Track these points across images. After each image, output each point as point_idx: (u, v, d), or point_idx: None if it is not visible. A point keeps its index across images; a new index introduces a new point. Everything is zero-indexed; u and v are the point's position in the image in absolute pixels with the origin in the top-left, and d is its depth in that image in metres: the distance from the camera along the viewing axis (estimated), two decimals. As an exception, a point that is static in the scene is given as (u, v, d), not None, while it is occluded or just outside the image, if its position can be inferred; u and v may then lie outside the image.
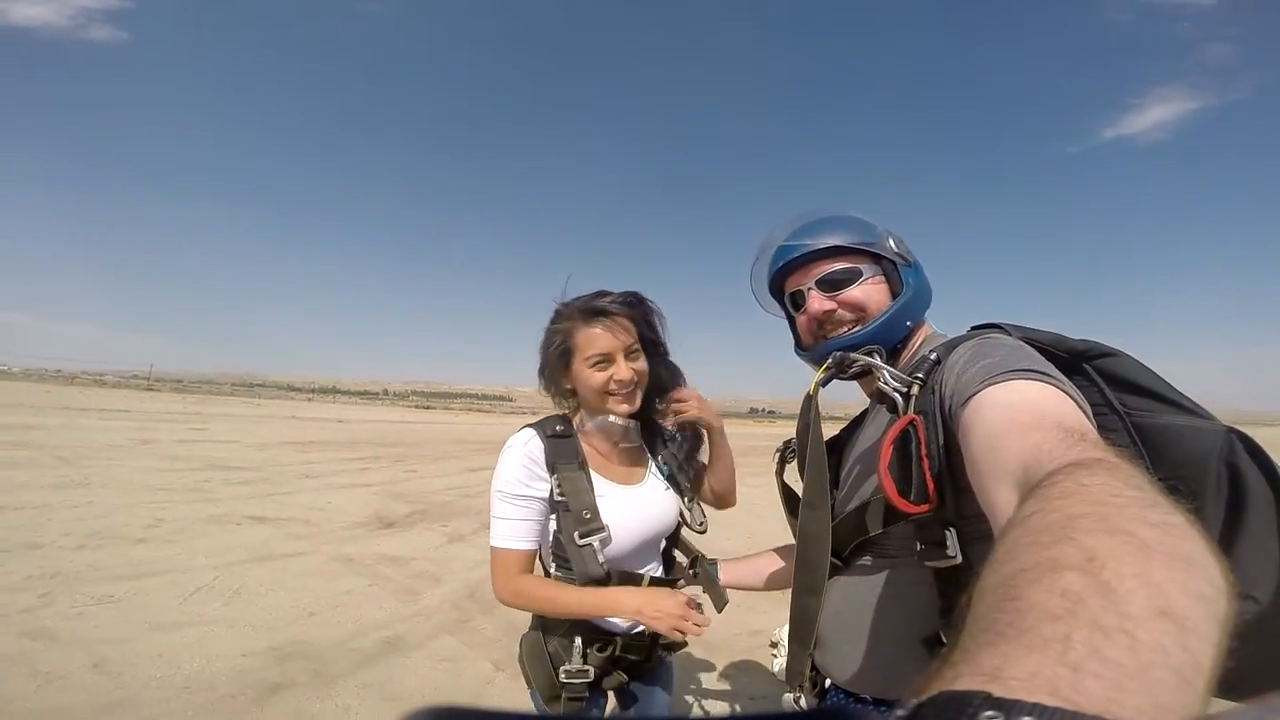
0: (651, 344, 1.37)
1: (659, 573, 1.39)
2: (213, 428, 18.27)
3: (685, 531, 1.48)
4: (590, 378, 1.28)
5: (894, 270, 1.06)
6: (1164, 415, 0.82)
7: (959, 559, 0.80)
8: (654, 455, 1.45)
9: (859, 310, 1.05)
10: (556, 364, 1.32)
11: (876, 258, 1.06)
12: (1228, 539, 0.72)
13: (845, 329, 1.05)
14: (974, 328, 0.97)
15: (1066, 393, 0.70)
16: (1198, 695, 0.25)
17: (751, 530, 5.68)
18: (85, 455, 10.02)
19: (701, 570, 1.41)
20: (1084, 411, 0.70)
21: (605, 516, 1.26)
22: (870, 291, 1.04)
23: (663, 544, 1.45)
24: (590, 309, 1.29)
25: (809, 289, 1.08)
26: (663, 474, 1.43)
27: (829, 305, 1.06)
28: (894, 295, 1.05)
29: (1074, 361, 0.87)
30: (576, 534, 1.22)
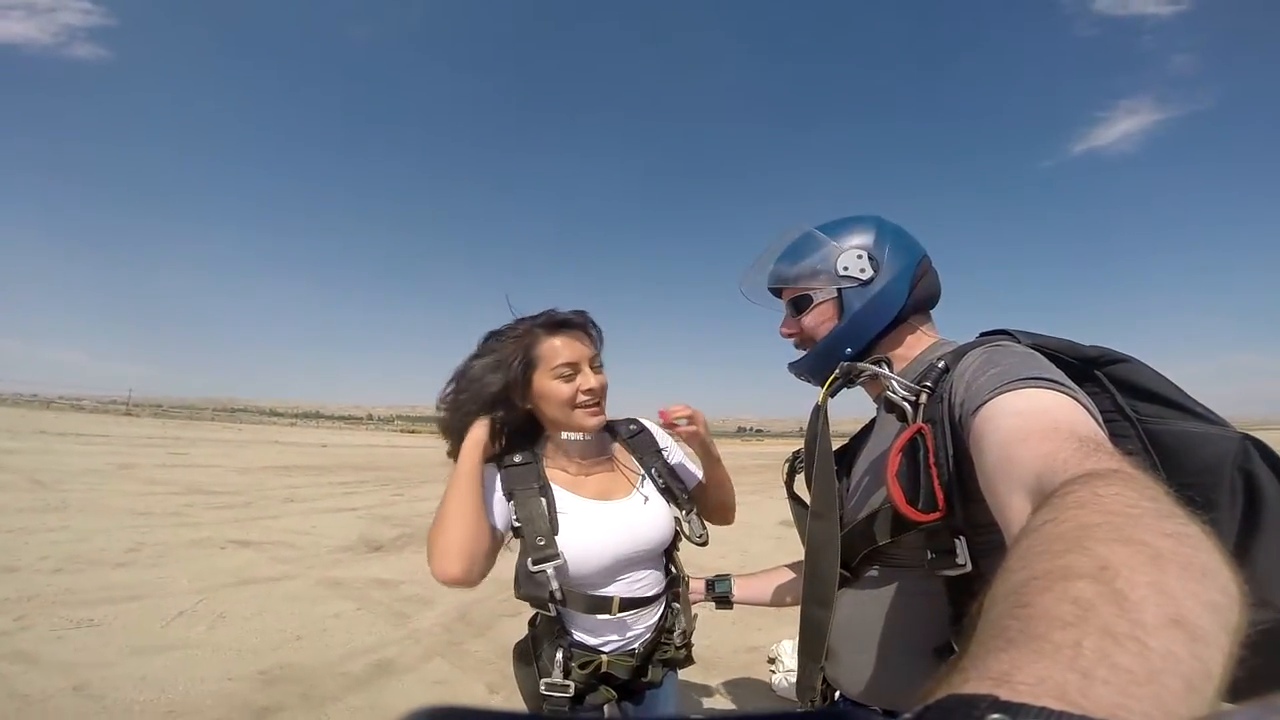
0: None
1: (653, 591, 1.34)
2: (194, 453, 17.91)
3: (684, 546, 1.44)
4: (557, 390, 1.27)
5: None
6: (1177, 422, 0.81)
7: (969, 567, 0.80)
8: (647, 468, 1.42)
9: (809, 337, 1.10)
10: (519, 379, 1.28)
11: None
12: (1243, 546, 0.72)
13: (800, 352, 1.13)
14: (983, 334, 0.96)
15: (1079, 401, 0.69)
16: (1206, 702, 0.25)
17: (744, 548, 5.64)
18: (63, 479, 9.77)
19: (681, 591, 1.42)
20: (1096, 420, 0.69)
21: (569, 535, 1.24)
22: (818, 317, 1.08)
23: (660, 559, 1.39)
24: (552, 321, 1.29)
25: (787, 310, 1.15)
26: (657, 486, 1.40)
27: (792, 329, 1.13)
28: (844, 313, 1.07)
29: (1085, 368, 0.86)
30: (530, 560, 1.21)
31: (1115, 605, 0.28)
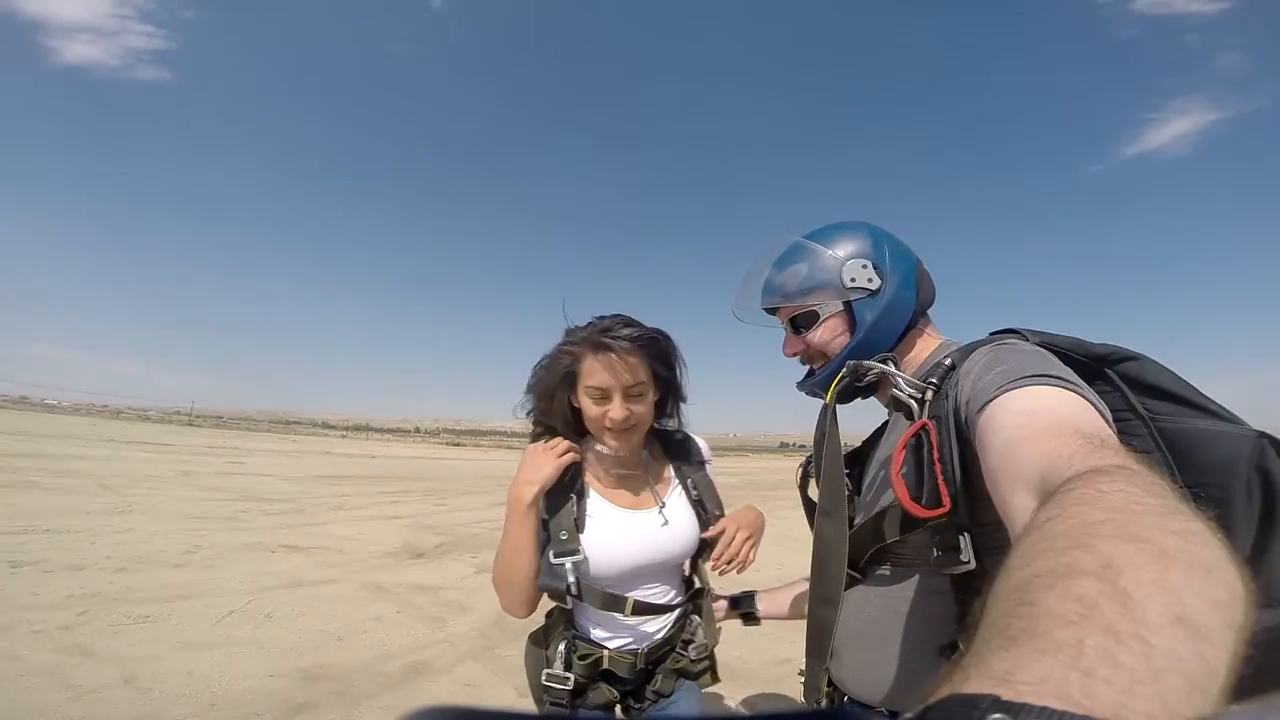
0: (666, 384, 1.35)
1: (670, 599, 1.35)
2: (250, 462, 18.68)
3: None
4: (587, 408, 1.28)
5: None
6: (1190, 420, 0.80)
7: (973, 565, 0.79)
8: (684, 478, 1.41)
9: (821, 354, 1.08)
10: (561, 384, 1.30)
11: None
12: (1260, 545, 0.70)
13: (815, 368, 1.11)
14: (993, 333, 0.96)
15: (1085, 398, 0.68)
16: (1211, 701, 0.25)
17: (780, 563, 5.54)
18: (128, 484, 10.32)
19: (704, 603, 1.40)
20: (1104, 417, 0.68)
21: (592, 538, 1.25)
22: (829, 332, 1.06)
23: (680, 570, 1.40)
24: (598, 341, 1.25)
25: (785, 329, 1.13)
26: (689, 496, 1.38)
27: (798, 348, 1.11)
28: (857, 326, 1.04)
29: (1095, 366, 0.85)
30: (552, 552, 1.23)
31: (1118, 603, 0.28)
